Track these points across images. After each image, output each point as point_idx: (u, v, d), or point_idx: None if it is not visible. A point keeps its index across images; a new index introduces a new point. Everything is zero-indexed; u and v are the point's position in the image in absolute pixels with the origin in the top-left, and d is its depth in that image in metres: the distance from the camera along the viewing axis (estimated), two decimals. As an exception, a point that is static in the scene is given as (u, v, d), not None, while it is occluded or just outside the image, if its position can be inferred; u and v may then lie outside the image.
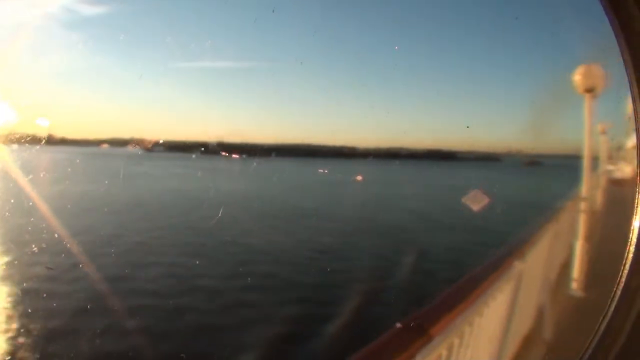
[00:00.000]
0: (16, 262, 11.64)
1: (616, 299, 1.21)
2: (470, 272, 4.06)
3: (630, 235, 1.23)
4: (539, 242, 5.44)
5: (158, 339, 9.83)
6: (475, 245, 17.07)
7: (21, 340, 9.04)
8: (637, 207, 1.25)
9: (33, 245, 10.64)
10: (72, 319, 9.94)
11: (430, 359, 2.62)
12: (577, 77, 7.08)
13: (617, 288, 1.22)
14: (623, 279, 1.21)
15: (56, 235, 10.28)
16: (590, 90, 7.04)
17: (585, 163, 7.48)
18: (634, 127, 1.28)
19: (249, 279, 13.62)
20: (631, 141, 13.33)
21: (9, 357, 8.71)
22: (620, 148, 15.04)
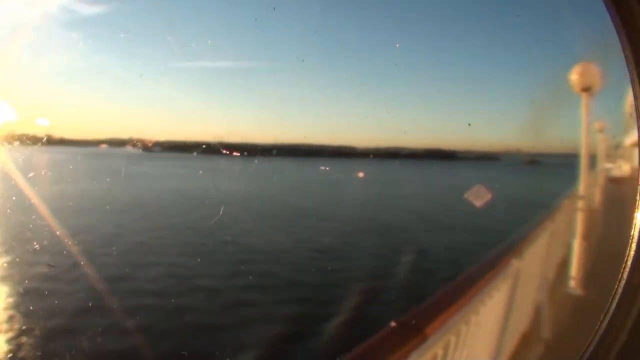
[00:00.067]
0: (17, 260, 11.66)
1: (617, 296, 1.21)
2: (466, 271, 4.05)
3: (632, 231, 1.22)
4: (537, 240, 5.43)
5: (158, 339, 9.86)
6: (475, 245, 17.08)
7: (21, 339, 9.05)
8: (638, 203, 1.24)
9: (35, 243, 10.66)
10: (71, 319, 9.96)
11: (425, 358, 2.61)
12: (574, 75, 7.10)
13: (618, 285, 1.21)
14: (624, 276, 1.20)
15: (56, 234, 10.30)
16: (587, 89, 7.05)
17: (583, 161, 7.49)
18: (635, 124, 1.30)
19: (250, 277, 13.64)
20: (629, 139, 13.38)
21: (9, 357, 8.72)
22: (618, 146, 15.06)
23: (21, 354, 8.74)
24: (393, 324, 2.65)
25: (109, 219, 19.97)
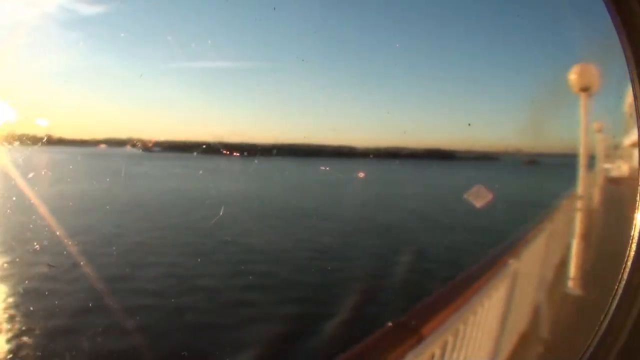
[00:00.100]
0: (17, 260, 11.67)
1: (618, 296, 1.20)
2: (464, 272, 4.05)
3: (632, 232, 1.21)
4: (535, 241, 5.43)
5: (158, 339, 9.87)
6: (475, 245, 17.09)
7: (21, 339, 9.07)
8: (638, 203, 1.23)
9: (35, 243, 10.66)
10: (71, 319, 9.97)
11: (422, 358, 2.59)
12: (573, 76, 7.11)
13: (618, 286, 1.20)
14: (624, 277, 1.20)
15: (56, 235, 10.30)
16: (585, 89, 7.06)
17: (582, 162, 7.50)
18: (634, 124, 1.29)
19: (250, 277, 13.66)
20: (628, 139, 13.38)
21: (9, 357, 8.74)
22: (617, 146, 15.06)
23: (21, 354, 8.75)
24: (389, 324, 2.65)
25: (109, 219, 19.99)
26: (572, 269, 6.80)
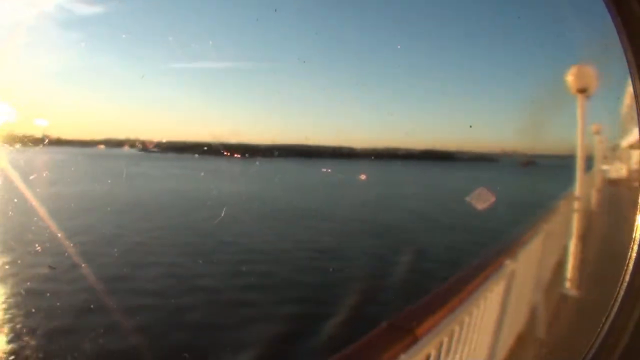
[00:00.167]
0: (18, 261, 11.71)
1: (619, 298, 1.18)
2: (459, 273, 4.06)
3: (634, 233, 1.20)
4: (532, 242, 5.43)
5: (158, 339, 9.90)
6: (476, 245, 17.13)
7: (22, 340, 9.10)
8: (639, 204, 1.21)
9: (36, 245, 10.71)
10: (72, 319, 10.00)
11: (417, 359, 2.57)
12: (570, 77, 7.13)
13: (620, 287, 1.19)
14: (626, 279, 1.18)
15: (56, 235, 10.34)
16: (582, 90, 7.09)
17: (579, 163, 7.52)
18: (632, 126, 1.29)
19: (252, 278, 13.68)
20: (626, 141, 13.45)
21: (10, 357, 8.76)
22: (615, 148, 15.09)
23: (22, 354, 8.78)
24: (384, 324, 2.66)
25: (109, 219, 20.01)
26: (569, 270, 6.82)
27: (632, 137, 12.11)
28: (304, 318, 11.25)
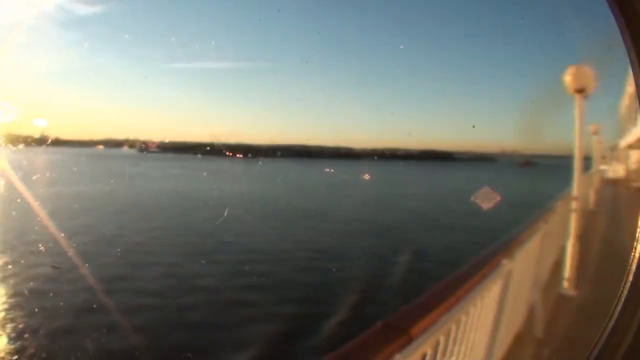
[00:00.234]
0: (20, 261, 11.73)
1: (622, 297, 1.17)
2: (455, 272, 4.07)
3: (637, 233, 1.18)
4: (529, 241, 5.43)
5: (158, 338, 9.93)
6: (475, 245, 17.15)
7: (23, 339, 9.13)
8: None
9: (40, 245, 10.73)
10: (72, 319, 10.03)
11: (413, 358, 2.55)
12: (568, 77, 7.15)
13: (623, 287, 1.17)
14: (630, 278, 1.17)
15: (57, 235, 10.36)
16: (580, 90, 7.11)
17: (577, 163, 7.52)
18: (632, 126, 1.29)
19: (254, 277, 13.71)
20: (624, 141, 13.49)
21: (11, 357, 8.80)
22: (613, 148, 15.13)
23: (23, 354, 8.81)
24: (379, 323, 2.66)
25: (110, 219, 20.04)
26: (567, 270, 6.84)
27: (630, 137, 12.16)
28: (304, 318, 11.28)
